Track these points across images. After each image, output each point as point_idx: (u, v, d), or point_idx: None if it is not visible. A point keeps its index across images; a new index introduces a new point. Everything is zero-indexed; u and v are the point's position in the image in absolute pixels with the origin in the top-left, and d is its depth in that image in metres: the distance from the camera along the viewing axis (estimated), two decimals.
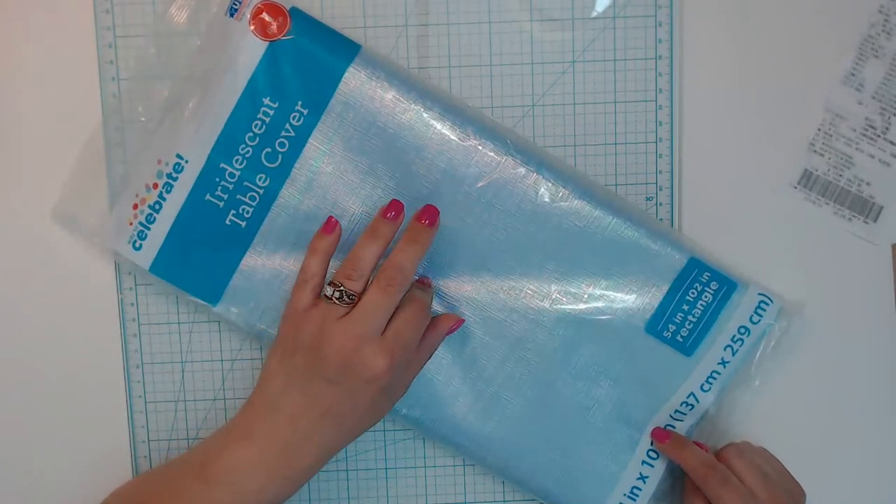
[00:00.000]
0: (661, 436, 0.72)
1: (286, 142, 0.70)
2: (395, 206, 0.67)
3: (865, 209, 0.73)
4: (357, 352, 0.64)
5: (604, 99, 0.74)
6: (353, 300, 0.65)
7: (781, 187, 0.74)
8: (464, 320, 0.72)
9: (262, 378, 0.67)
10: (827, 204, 0.74)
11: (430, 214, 0.67)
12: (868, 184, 0.73)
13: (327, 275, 0.69)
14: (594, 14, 0.73)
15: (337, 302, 0.65)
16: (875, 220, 0.74)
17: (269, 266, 0.71)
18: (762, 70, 0.73)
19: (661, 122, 0.74)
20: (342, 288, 0.65)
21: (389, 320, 0.66)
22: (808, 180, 0.74)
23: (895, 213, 0.74)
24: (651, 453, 0.73)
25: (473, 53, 0.73)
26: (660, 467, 0.73)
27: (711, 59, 0.73)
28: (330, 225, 0.69)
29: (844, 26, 0.73)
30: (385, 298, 0.65)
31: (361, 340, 0.64)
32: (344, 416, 0.65)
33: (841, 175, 0.73)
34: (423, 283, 0.71)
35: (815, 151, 0.74)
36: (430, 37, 0.73)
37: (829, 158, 0.74)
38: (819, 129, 0.73)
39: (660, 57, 0.73)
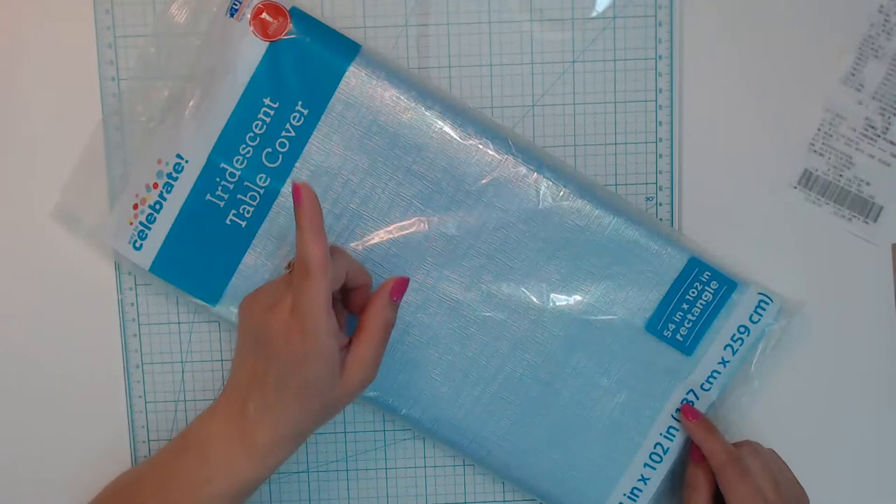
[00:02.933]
0: (691, 413, 0.72)
1: (287, 142, 0.70)
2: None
3: (865, 209, 0.74)
4: (272, 311, 0.63)
5: (604, 99, 0.74)
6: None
7: (781, 187, 0.74)
8: (407, 278, 0.67)
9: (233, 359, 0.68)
10: (827, 204, 0.74)
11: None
12: (868, 184, 0.73)
13: None
14: (594, 14, 0.73)
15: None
16: (875, 220, 0.74)
17: (269, 266, 0.71)
18: (762, 70, 0.73)
19: (660, 122, 0.74)
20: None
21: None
22: (808, 180, 0.74)
23: (895, 212, 0.74)
24: (654, 456, 0.73)
25: (473, 53, 0.73)
26: (661, 469, 0.73)
27: (711, 59, 0.73)
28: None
29: (844, 26, 0.73)
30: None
31: (277, 308, 0.63)
32: (278, 383, 0.64)
33: (841, 175, 0.73)
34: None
35: (815, 151, 0.74)
36: (430, 37, 0.73)
37: (829, 158, 0.74)
38: (819, 129, 0.73)
39: (660, 57, 0.73)
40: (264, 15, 0.68)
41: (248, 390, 0.64)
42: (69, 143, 0.73)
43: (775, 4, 0.73)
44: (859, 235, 0.74)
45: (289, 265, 0.67)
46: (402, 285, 0.66)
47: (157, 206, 0.70)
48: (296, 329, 0.62)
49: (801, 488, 0.71)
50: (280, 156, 0.70)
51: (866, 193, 0.74)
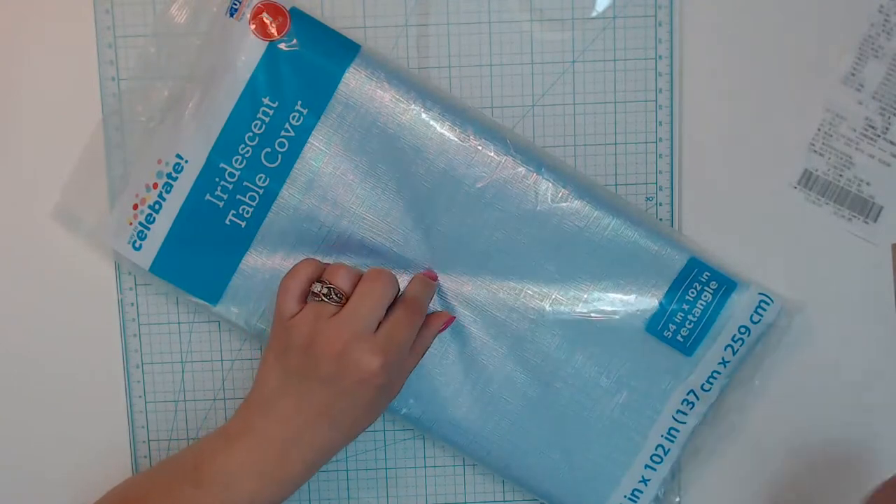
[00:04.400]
0: None
1: (286, 142, 0.70)
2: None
3: (865, 209, 0.73)
4: (348, 351, 0.63)
5: (604, 99, 0.74)
6: (341, 299, 0.65)
7: (781, 187, 0.74)
8: (454, 318, 0.71)
9: (257, 378, 0.67)
10: (827, 204, 0.74)
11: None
12: (868, 184, 0.73)
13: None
14: (594, 14, 0.73)
15: (325, 300, 0.64)
16: (875, 220, 0.74)
17: (269, 266, 0.71)
18: (762, 70, 0.73)
19: (660, 122, 0.74)
20: (330, 285, 0.65)
21: (383, 318, 0.65)
22: (808, 180, 0.74)
23: (895, 213, 0.74)
24: (654, 457, 0.73)
25: (473, 53, 0.73)
26: (662, 470, 0.73)
27: (711, 59, 0.73)
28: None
29: (844, 26, 0.73)
30: (375, 294, 0.64)
31: (353, 339, 0.63)
32: (338, 415, 0.65)
33: (841, 175, 0.73)
34: (427, 277, 0.71)
35: (815, 151, 0.73)
36: (430, 37, 0.73)
37: (829, 158, 0.73)
38: (819, 129, 0.73)
39: (660, 57, 0.73)
40: (264, 15, 0.68)
41: (290, 424, 0.65)
42: (69, 143, 0.73)
43: (775, 4, 0.73)
44: (859, 235, 0.74)
45: (319, 290, 0.65)
46: (450, 322, 0.71)
47: (157, 207, 0.70)
48: (381, 364, 0.64)
49: None
50: (279, 156, 0.70)
51: (866, 193, 0.73)
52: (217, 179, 0.70)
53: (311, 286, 0.66)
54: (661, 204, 0.74)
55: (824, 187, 0.74)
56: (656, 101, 0.73)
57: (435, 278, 0.71)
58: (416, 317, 0.67)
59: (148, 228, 0.71)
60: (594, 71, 0.73)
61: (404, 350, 0.66)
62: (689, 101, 0.74)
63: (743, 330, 0.71)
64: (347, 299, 0.65)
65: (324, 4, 0.72)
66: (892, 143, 0.73)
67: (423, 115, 0.69)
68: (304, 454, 0.65)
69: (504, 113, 0.73)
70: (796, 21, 0.73)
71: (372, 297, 0.64)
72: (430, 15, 0.73)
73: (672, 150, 0.74)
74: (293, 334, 0.65)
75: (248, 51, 0.68)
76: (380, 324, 0.65)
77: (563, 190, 0.70)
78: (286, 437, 0.65)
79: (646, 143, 0.74)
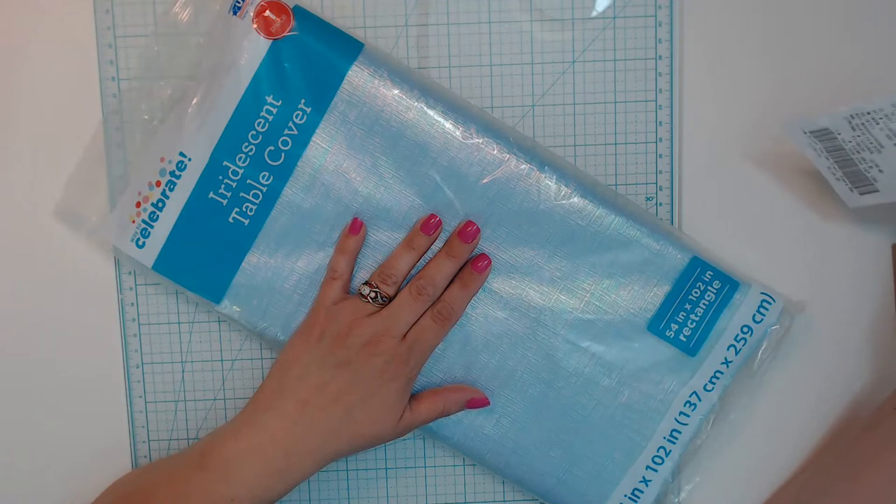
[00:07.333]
0: None
1: (289, 140, 0.70)
2: (432, 222, 0.70)
3: (860, 182, 0.70)
4: (379, 345, 0.68)
5: (604, 99, 0.74)
6: (385, 302, 0.69)
7: (782, 187, 0.74)
8: (488, 402, 0.73)
9: (278, 368, 0.69)
10: (828, 206, 0.73)
11: (468, 234, 0.70)
12: (881, 171, 0.70)
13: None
14: (594, 14, 0.73)
15: (370, 301, 0.69)
16: (860, 195, 0.71)
17: (272, 264, 0.71)
18: (762, 69, 0.73)
19: (661, 122, 0.74)
20: (378, 290, 0.69)
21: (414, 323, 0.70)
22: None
23: (894, 211, 0.74)
24: (656, 458, 0.73)
25: (473, 53, 0.73)
26: (663, 471, 0.73)
27: (711, 59, 0.74)
28: (355, 226, 0.70)
29: (841, 25, 0.73)
30: (414, 305, 0.69)
31: (386, 337, 0.68)
32: (352, 405, 0.67)
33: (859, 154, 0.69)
34: (480, 262, 0.71)
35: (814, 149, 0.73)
36: (430, 37, 0.73)
37: (832, 158, 0.73)
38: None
39: (660, 57, 0.73)
40: (267, 13, 0.68)
41: (303, 412, 0.67)
42: (70, 142, 0.73)
43: (775, 4, 0.73)
44: (838, 193, 0.72)
45: (367, 294, 0.70)
46: (482, 403, 0.73)
47: (160, 204, 0.70)
48: (402, 363, 0.69)
49: None
50: (283, 154, 0.70)
51: (871, 175, 0.69)
52: (220, 177, 0.70)
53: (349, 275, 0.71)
54: (661, 204, 0.74)
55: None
56: (656, 101, 0.74)
57: (486, 267, 0.71)
58: (446, 326, 0.70)
59: (151, 226, 0.71)
60: (594, 71, 0.74)
61: (426, 355, 0.70)
62: (689, 101, 0.74)
63: (745, 330, 0.71)
64: (390, 300, 0.70)
65: (324, 4, 0.72)
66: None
67: (427, 113, 0.69)
68: (311, 446, 0.66)
69: (504, 113, 0.74)
70: (796, 19, 0.73)
71: (412, 308, 0.69)
72: (429, 15, 0.73)
73: (672, 150, 0.74)
74: (333, 323, 0.69)
75: (252, 49, 0.68)
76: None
77: (565, 188, 0.70)
78: (296, 427, 0.66)
79: (646, 143, 0.74)
